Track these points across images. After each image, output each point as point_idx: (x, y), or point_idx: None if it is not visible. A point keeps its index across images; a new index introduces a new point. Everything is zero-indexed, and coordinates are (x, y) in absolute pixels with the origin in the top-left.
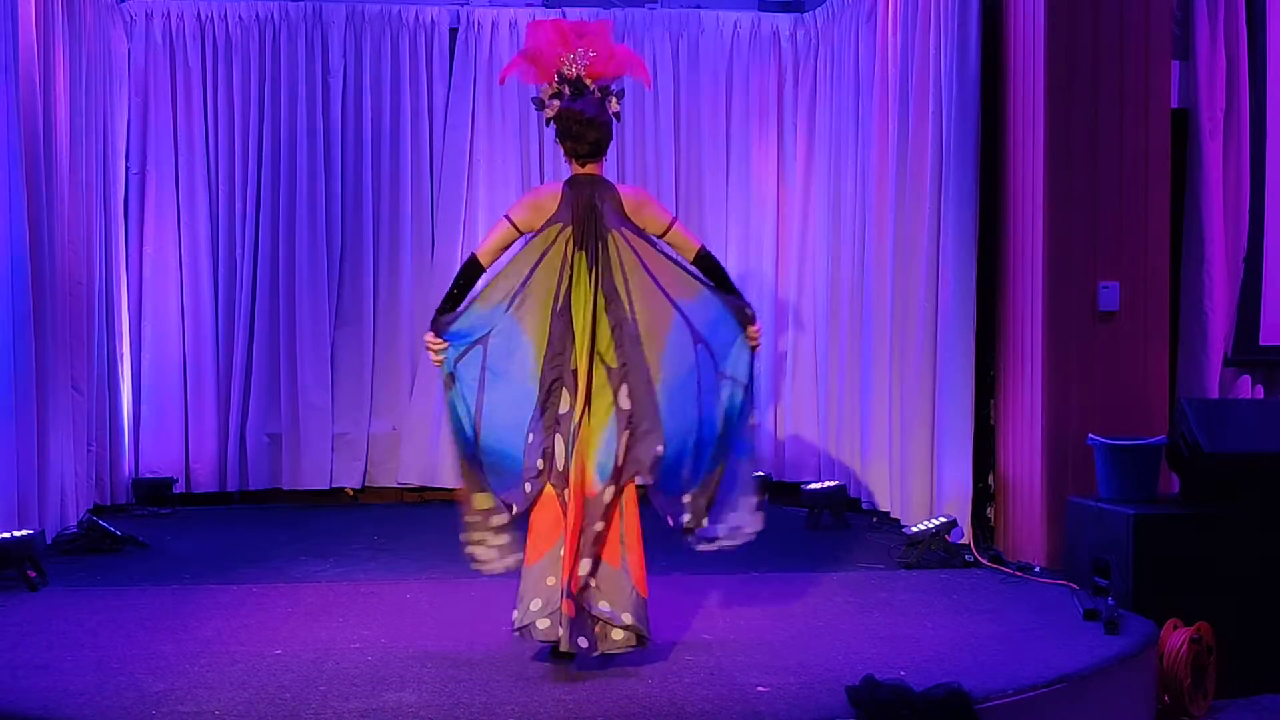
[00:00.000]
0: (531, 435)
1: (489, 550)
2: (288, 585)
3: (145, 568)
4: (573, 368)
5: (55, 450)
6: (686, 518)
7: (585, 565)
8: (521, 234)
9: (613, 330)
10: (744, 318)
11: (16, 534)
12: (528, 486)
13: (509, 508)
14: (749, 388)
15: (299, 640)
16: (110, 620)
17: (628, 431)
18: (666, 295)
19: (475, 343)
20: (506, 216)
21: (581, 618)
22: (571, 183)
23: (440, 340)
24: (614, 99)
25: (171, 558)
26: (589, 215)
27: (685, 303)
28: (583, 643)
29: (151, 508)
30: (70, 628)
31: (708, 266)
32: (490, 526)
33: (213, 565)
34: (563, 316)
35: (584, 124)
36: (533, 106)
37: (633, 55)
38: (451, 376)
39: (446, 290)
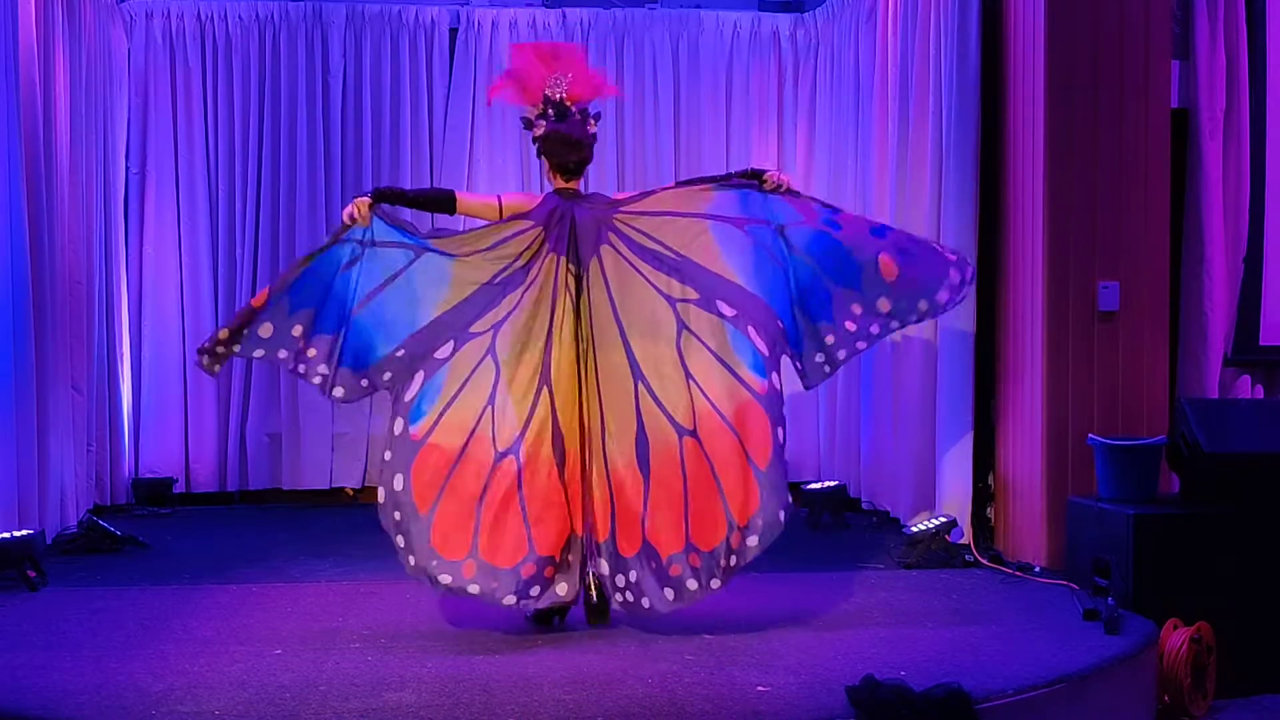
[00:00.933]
0: (402, 350)
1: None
2: (288, 585)
3: (145, 568)
4: (474, 331)
5: (55, 450)
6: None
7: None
8: (501, 219)
9: (671, 275)
10: (752, 183)
11: (16, 534)
12: (364, 382)
13: (326, 381)
14: (797, 211)
15: (299, 640)
16: (110, 620)
17: (751, 326)
18: (690, 215)
19: (410, 248)
20: (498, 196)
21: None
22: (555, 194)
23: (368, 214)
24: (592, 120)
25: (171, 558)
26: (567, 228)
27: (709, 208)
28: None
29: (151, 508)
30: (70, 628)
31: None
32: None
33: (213, 565)
34: (493, 289)
35: (570, 144)
36: (522, 125)
37: (601, 78)
38: (361, 244)
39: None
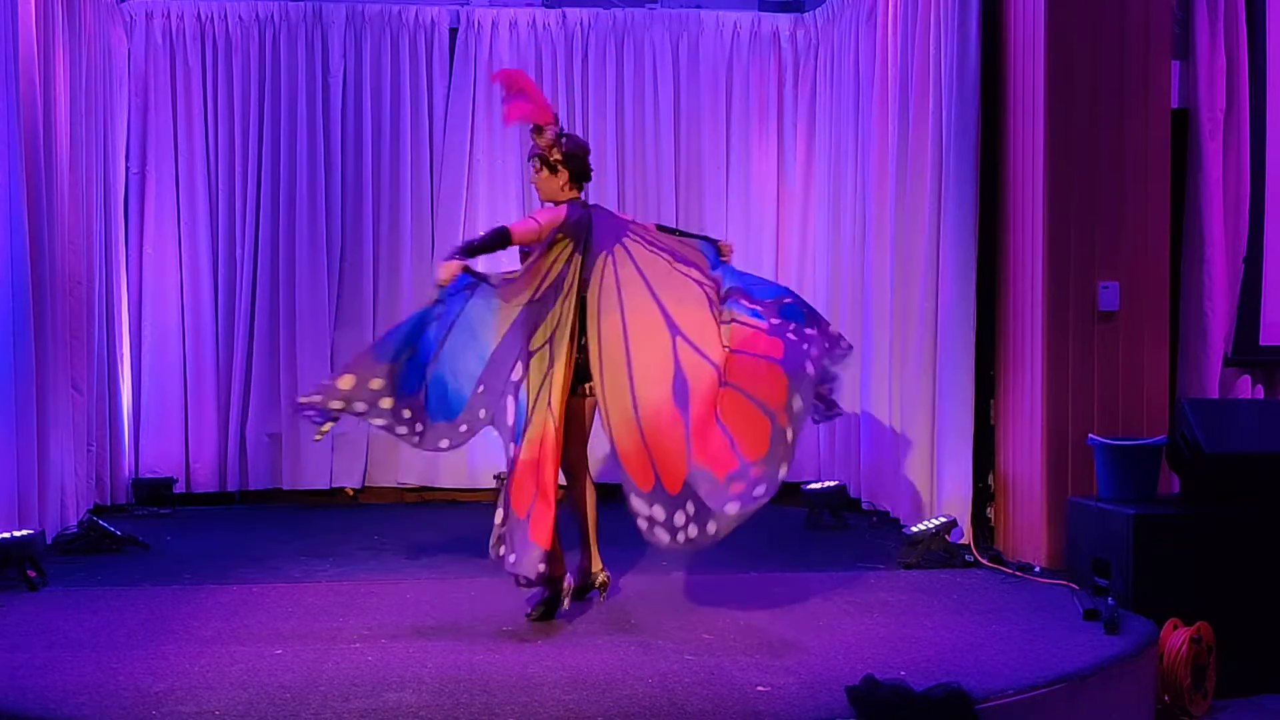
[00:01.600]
0: (481, 386)
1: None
2: (288, 585)
3: (145, 568)
4: (531, 348)
5: (55, 450)
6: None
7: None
8: (540, 240)
9: (690, 267)
10: (715, 248)
11: (16, 534)
12: (464, 427)
13: (431, 437)
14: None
15: (299, 640)
16: (110, 620)
17: (759, 304)
18: (688, 234)
19: (462, 290)
20: (534, 218)
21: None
22: (571, 204)
23: (454, 269)
24: None
25: (171, 558)
26: (587, 229)
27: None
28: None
29: (151, 508)
30: (70, 628)
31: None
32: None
33: (213, 565)
34: (536, 305)
35: (586, 157)
36: (556, 143)
37: None
38: (438, 302)
39: (473, 240)
